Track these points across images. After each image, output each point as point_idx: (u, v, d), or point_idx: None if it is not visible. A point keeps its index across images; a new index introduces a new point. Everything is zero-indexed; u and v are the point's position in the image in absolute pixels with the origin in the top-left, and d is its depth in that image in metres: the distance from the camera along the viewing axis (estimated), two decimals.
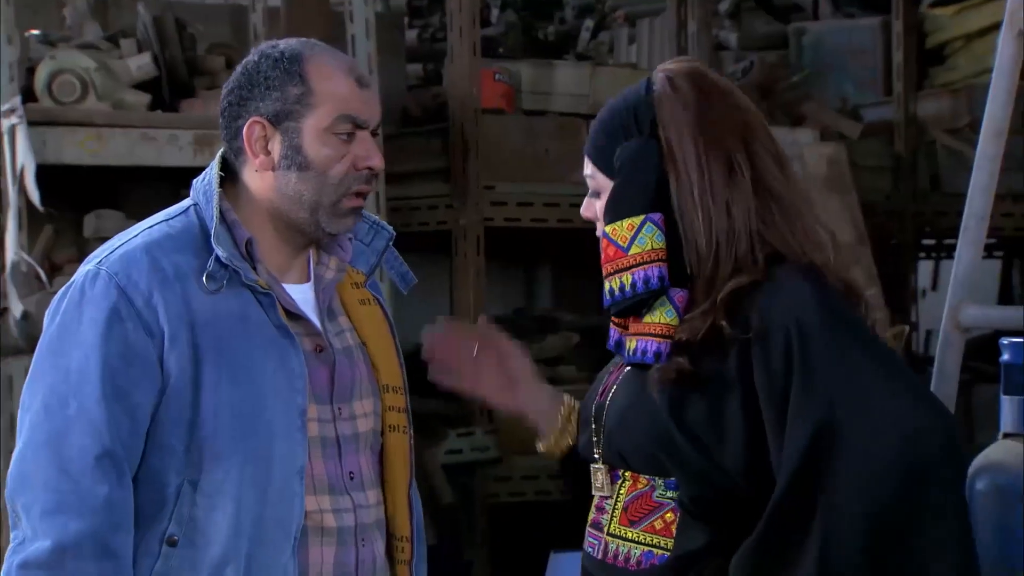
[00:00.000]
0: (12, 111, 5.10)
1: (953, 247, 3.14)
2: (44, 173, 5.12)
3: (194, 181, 2.58)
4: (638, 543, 2.46)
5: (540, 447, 2.69)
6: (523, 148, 6.50)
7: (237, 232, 2.50)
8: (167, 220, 2.53)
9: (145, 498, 2.43)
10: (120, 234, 2.55)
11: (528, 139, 6.53)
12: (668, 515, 2.45)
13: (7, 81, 5.13)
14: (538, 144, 6.53)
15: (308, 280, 2.56)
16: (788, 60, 8.11)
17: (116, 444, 2.40)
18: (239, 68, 2.55)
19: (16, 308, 5.00)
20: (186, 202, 2.55)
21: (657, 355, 2.44)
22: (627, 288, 2.46)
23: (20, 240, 5.08)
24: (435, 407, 6.21)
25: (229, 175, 2.55)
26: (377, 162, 2.51)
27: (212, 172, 2.55)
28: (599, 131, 2.53)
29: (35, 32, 5.89)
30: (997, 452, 2.86)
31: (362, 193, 2.52)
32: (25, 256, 5.08)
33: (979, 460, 2.83)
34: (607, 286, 2.49)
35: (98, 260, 2.48)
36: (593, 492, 2.54)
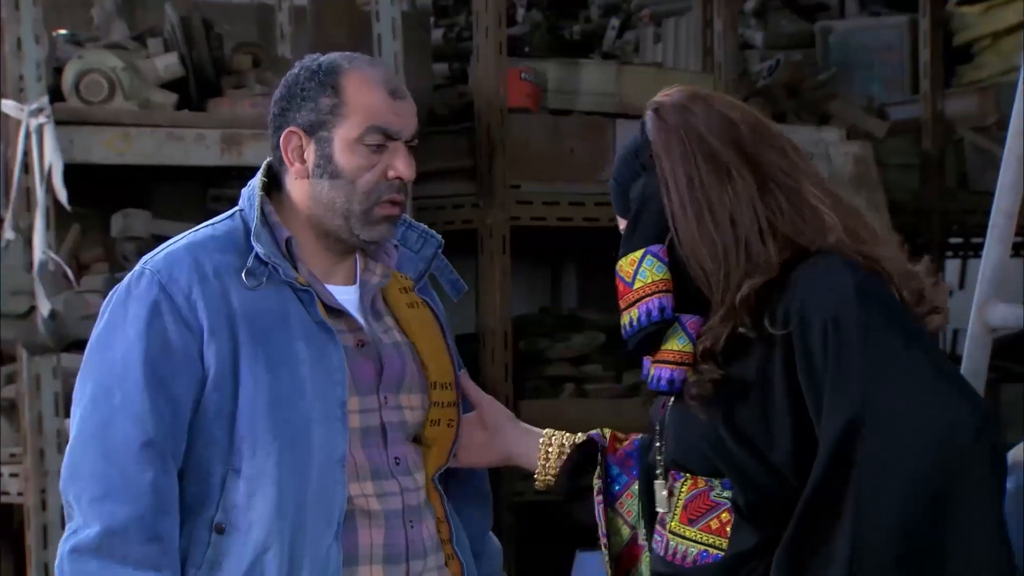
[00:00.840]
0: (40, 111, 5.12)
1: (980, 246, 3.14)
2: (71, 172, 5.14)
3: (243, 189, 2.69)
4: (695, 542, 2.49)
5: (536, 485, 2.79)
6: (549, 147, 6.50)
7: (278, 232, 2.62)
8: (213, 224, 2.67)
9: (194, 488, 2.55)
10: (171, 239, 2.68)
11: (554, 138, 6.53)
12: (724, 515, 2.47)
13: (35, 80, 5.15)
14: (564, 143, 6.53)
15: (353, 283, 2.67)
16: (814, 59, 8.09)
17: (159, 433, 2.52)
18: (283, 80, 2.67)
19: (44, 307, 5.02)
20: (234, 208, 2.67)
21: (671, 382, 2.47)
22: (634, 322, 2.50)
23: (48, 239, 5.10)
24: None
25: (275, 183, 2.68)
26: (405, 172, 2.61)
27: (257, 178, 2.67)
28: (614, 183, 2.61)
29: (63, 32, 5.91)
30: None
31: (395, 202, 2.61)
32: (53, 255, 5.10)
33: (1007, 459, 2.82)
34: (622, 322, 2.53)
35: (144, 261, 2.62)
36: (657, 507, 2.58)
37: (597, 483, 2.70)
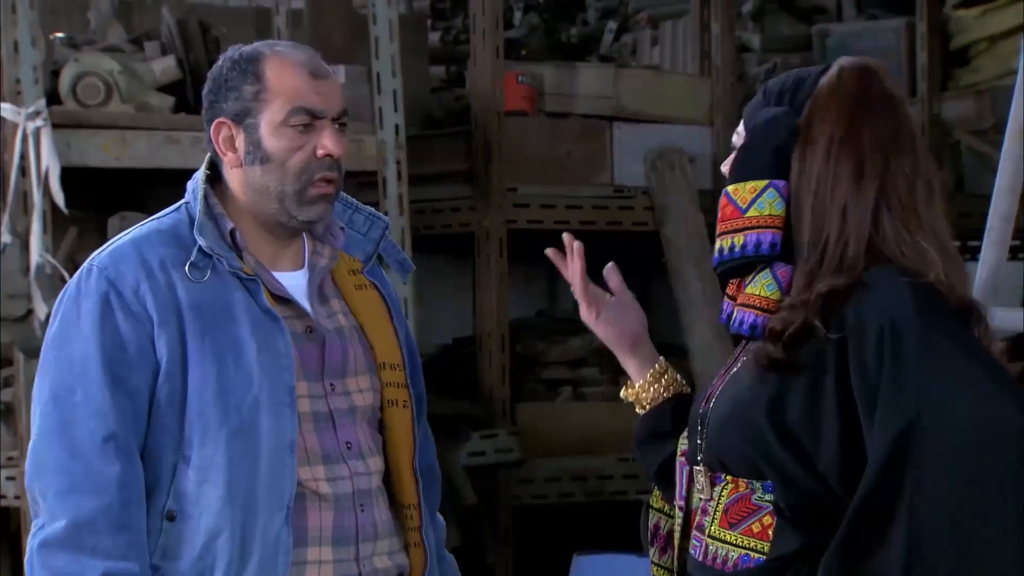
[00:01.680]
0: (37, 114, 5.12)
1: (978, 249, 3.15)
2: (68, 175, 5.14)
3: (188, 183, 2.73)
4: (736, 546, 2.45)
5: (622, 393, 2.75)
6: (546, 150, 6.50)
7: (222, 223, 2.66)
8: (158, 219, 2.70)
9: (147, 477, 2.58)
10: (116, 236, 2.71)
11: (551, 141, 6.53)
12: (766, 519, 2.44)
13: (32, 84, 5.15)
14: (561, 146, 6.53)
15: (302, 268, 2.70)
16: (812, 62, 8.09)
17: (121, 426, 2.56)
18: (209, 74, 2.72)
19: (40, 310, 5.01)
20: (180, 202, 2.71)
21: (753, 327, 2.43)
22: (736, 248, 2.44)
23: (45, 243, 5.10)
24: (458, 408, 6.22)
25: (217, 175, 2.72)
26: (333, 148, 2.63)
27: (200, 171, 2.71)
28: (764, 89, 2.54)
29: (59, 35, 5.91)
30: None
31: (328, 180, 2.64)
32: (49, 258, 5.10)
33: None
34: (717, 245, 2.47)
35: (92, 258, 2.65)
36: (695, 495, 2.53)
37: (684, 444, 2.61)
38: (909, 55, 7.83)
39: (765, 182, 2.44)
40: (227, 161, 2.68)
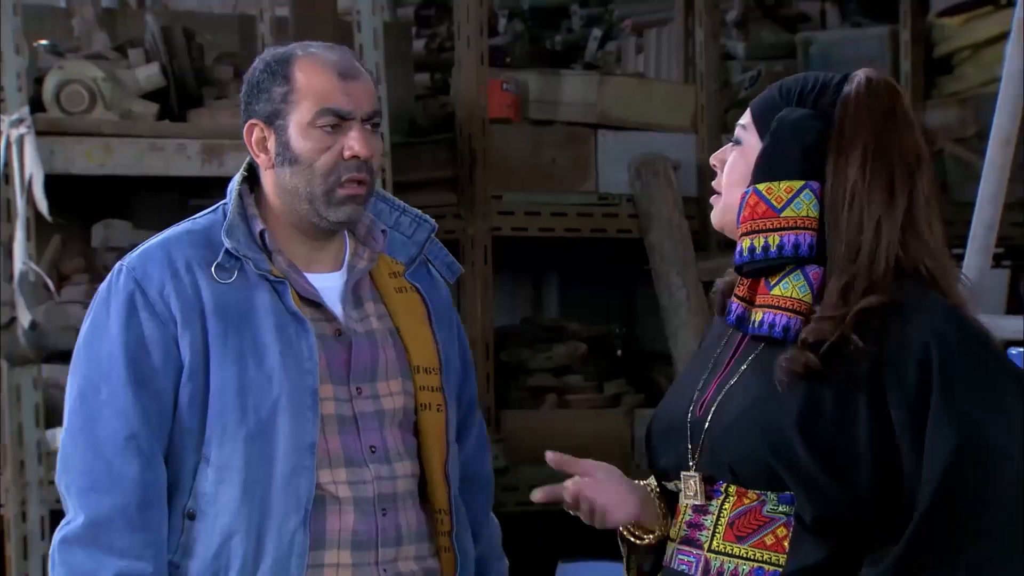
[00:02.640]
0: (20, 121, 5.11)
1: (961, 256, 3.15)
2: (52, 183, 5.13)
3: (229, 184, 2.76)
4: (747, 559, 2.40)
5: (643, 542, 2.59)
6: (530, 157, 6.50)
7: (253, 225, 2.67)
8: (193, 219, 2.73)
9: (169, 476, 2.61)
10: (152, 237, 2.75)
11: (535, 148, 6.53)
12: (780, 530, 2.39)
13: (15, 91, 5.14)
14: (545, 153, 6.53)
15: (340, 269, 2.71)
16: (796, 69, 8.10)
17: (143, 426, 2.59)
18: (245, 76, 2.72)
19: (24, 318, 5.00)
20: (220, 203, 2.73)
21: (786, 329, 2.39)
22: (772, 248, 2.41)
23: (28, 250, 5.09)
24: None
25: (257, 177, 2.74)
26: (360, 150, 2.63)
27: (239, 173, 2.73)
28: (779, 88, 2.51)
29: (43, 42, 5.90)
30: None
31: (357, 181, 2.64)
32: (33, 266, 5.09)
33: None
34: (746, 244, 2.43)
35: (123, 259, 2.69)
36: (684, 502, 2.49)
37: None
38: (893, 63, 7.84)
39: (801, 182, 2.42)
40: (260, 163, 2.69)
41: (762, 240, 2.42)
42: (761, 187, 2.43)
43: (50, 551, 2.64)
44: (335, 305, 2.68)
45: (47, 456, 5.09)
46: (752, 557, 2.40)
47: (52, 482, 4.99)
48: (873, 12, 8.41)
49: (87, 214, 5.73)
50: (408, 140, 6.57)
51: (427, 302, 2.76)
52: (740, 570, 2.41)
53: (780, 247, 2.40)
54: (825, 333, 2.36)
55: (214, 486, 2.59)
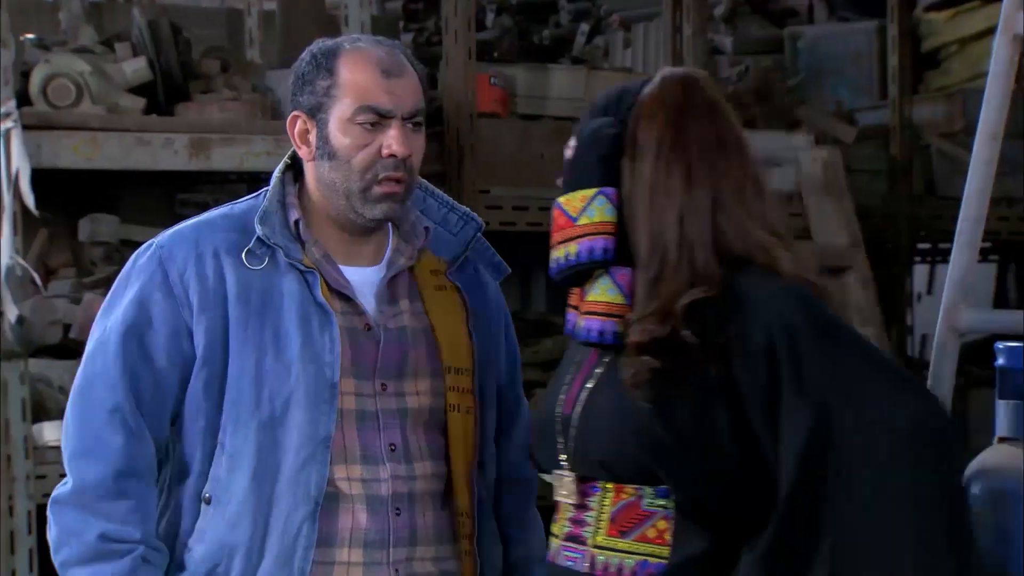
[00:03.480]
0: (7, 115, 5.09)
1: (948, 251, 3.16)
2: (39, 177, 5.12)
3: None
4: (631, 553, 2.45)
5: None
6: (518, 152, 6.50)
7: (289, 214, 2.67)
8: (234, 203, 2.73)
9: (187, 461, 2.63)
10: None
11: (523, 143, 6.53)
12: (661, 523, 2.45)
13: (2, 85, 5.13)
14: (533, 148, 6.53)
15: (379, 264, 2.70)
16: (783, 64, 8.11)
17: (128, 401, 2.61)
18: (292, 67, 2.72)
19: (11, 312, 4.99)
20: (264, 188, 2.73)
21: (601, 334, 2.47)
22: (571, 256, 2.50)
23: (15, 245, 5.07)
24: None
25: (300, 167, 2.75)
26: (397, 149, 2.62)
27: (281, 162, 2.73)
28: (590, 105, 2.58)
29: (30, 36, 5.88)
30: (992, 456, 2.86)
31: (395, 179, 2.63)
32: (20, 260, 5.08)
33: (975, 465, 2.83)
34: (553, 255, 2.54)
35: (158, 236, 2.71)
36: (557, 499, 2.53)
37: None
38: (880, 58, 7.85)
39: (594, 190, 2.49)
40: (302, 154, 2.69)
41: (563, 250, 2.51)
42: (561, 200, 2.53)
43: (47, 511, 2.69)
44: (366, 299, 2.67)
45: (34, 451, 5.08)
46: (636, 551, 2.45)
47: (40, 477, 5.00)
48: (861, 7, 8.41)
49: (74, 208, 5.72)
50: None
51: (467, 302, 2.73)
52: (625, 564, 2.45)
53: (578, 254, 2.49)
54: (652, 332, 2.41)
55: (227, 473, 2.61)
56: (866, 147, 7.48)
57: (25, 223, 5.16)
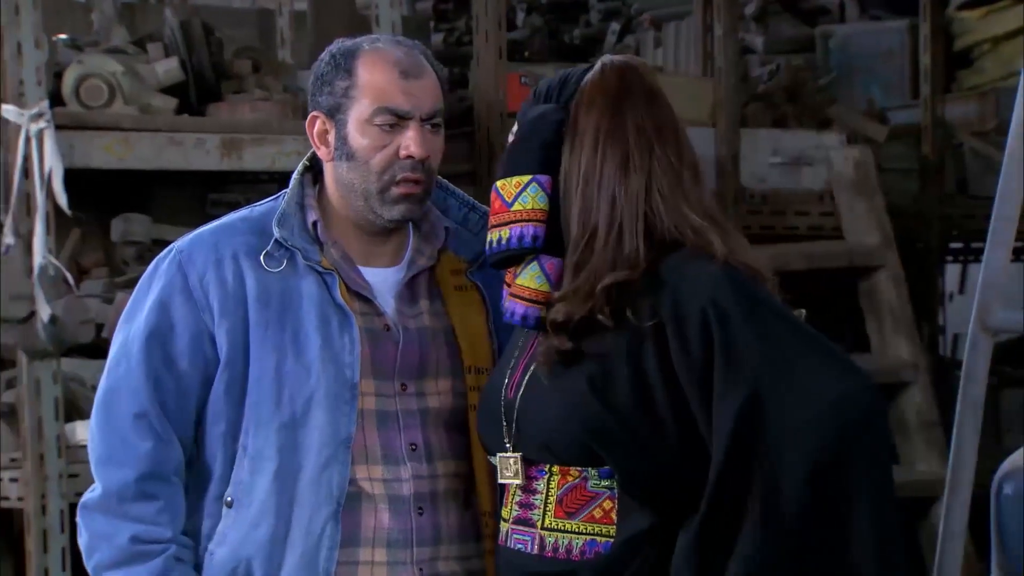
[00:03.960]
0: (40, 115, 5.11)
1: (980, 251, 3.14)
2: (71, 177, 5.14)
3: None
4: (579, 533, 2.50)
5: None
6: None
7: (308, 215, 2.67)
8: (253, 206, 2.73)
9: (209, 463, 2.64)
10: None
11: None
12: (606, 503, 2.49)
13: (35, 85, 5.15)
14: None
15: (399, 264, 2.70)
16: (815, 63, 8.09)
17: (154, 405, 2.62)
18: (313, 66, 2.72)
19: (44, 312, 5.01)
20: (283, 191, 2.73)
21: (524, 318, 2.52)
22: (504, 241, 2.53)
23: (48, 244, 5.10)
24: None
25: (319, 168, 2.75)
26: (415, 151, 2.63)
27: (302, 162, 2.74)
28: (535, 89, 2.62)
29: (62, 36, 5.91)
30: None
31: (412, 180, 2.63)
32: (52, 260, 5.10)
33: (1006, 465, 2.82)
34: (488, 238, 2.57)
35: (178, 240, 2.71)
36: (502, 482, 2.58)
37: None
38: (912, 56, 7.82)
39: (528, 177, 2.52)
40: (321, 155, 2.69)
41: (497, 234, 2.55)
42: (499, 184, 2.56)
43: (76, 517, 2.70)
44: (386, 300, 2.67)
45: (67, 450, 5.10)
46: (583, 531, 2.49)
47: (72, 476, 5.02)
48: (893, 5, 8.39)
49: (106, 208, 5.74)
50: None
51: (487, 301, 2.73)
52: (574, 544, 2.50)
53: (509, 239, 2.53)
54: (571, 313, 2.45)
55: (249, 475, 2.61)
56: (898, 146, 7.45)
57: (58, 223, 5.18)
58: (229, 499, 2.62)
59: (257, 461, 2.60)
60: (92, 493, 2.67)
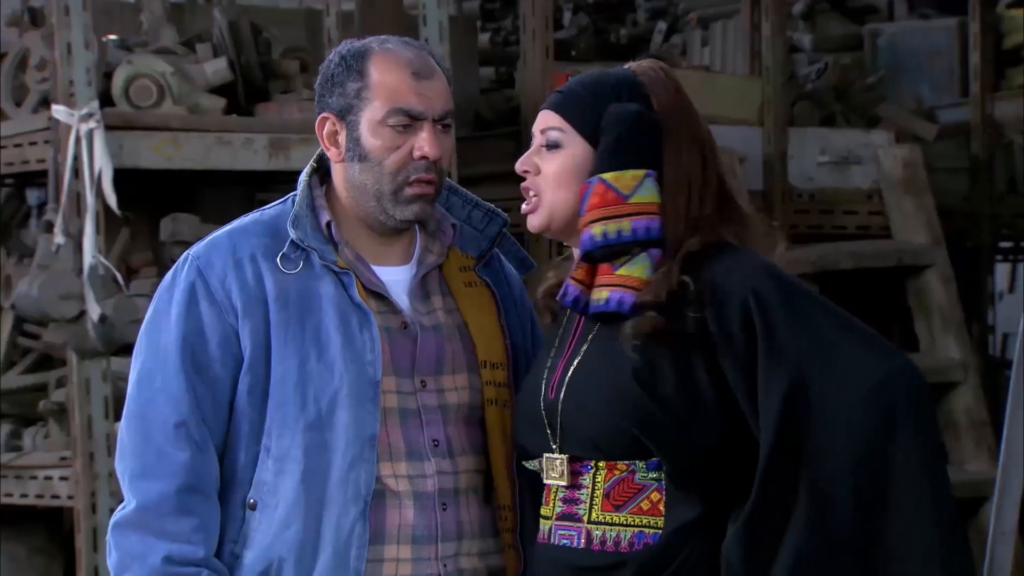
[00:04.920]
0: (90, 116, 5.14)
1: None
2: (121, 177, 5.17)
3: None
4: (628, 525, 2.52)
5: None
6: None
7: (320, 216, 2.67)
8: (263, 209, 2.73)
9: (231, 466, 2.62)
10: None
11: None
12: (654, 495, 2.51)
13: (85, 85, 5.18)
14: None
15: (409, 263, 2.71)
16: (863, 62, 8.05)
17: (193, 414, 2.60)
18: (320, 67, 2.73)
19: (94, 311, 5.04)
20: (291, 193, 2.73)
21: (620, 303, 2.53)
22: (625, 232, 2.55)
23: (97, 244, 5.13)
24: None
25: (327, 169, 2.74)
26: (429, 151, 2.64)
27: (309, 164, 2.73)
28: (582, 91, 2.64)
29: (112, 37, 5.94)
30: None
31: (425, 181, 2.64)
32: (102, 260, 5.13)
33: None
34: (597, 230, 2.57)
35: (191, 248, 2.70)
36: (547, 483, 2.59)
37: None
38: (961, 55, 7.78)
39: (644, 171, 2.56)
40: (331, 156, 2.69)
41: (614, 226, 2.55)
42: (608, 176, 2.57)
43: (107, 536, 2.67)
44: (401, 298, 2.68)
45: (116, 449, 5.14)
46: (632, 524, 2.51)
47: None
48: (941, 3, 8.35)
49: (155, 208, 5.76)
50: (473, 134, 6.58)
51: (497, 296, 2.75)
52: (623, 536, 2.52)
53: (633, 231, 2.55)
54: (659, 290, 2.50)
55: (274, 476, 2.60)
56: (947, 145, 7.42)
57: (107, 223, 5.21)
58: (252, 501, 2.61)
59: (282, 462, 2.59)
60: (124, 510, 2.62)
